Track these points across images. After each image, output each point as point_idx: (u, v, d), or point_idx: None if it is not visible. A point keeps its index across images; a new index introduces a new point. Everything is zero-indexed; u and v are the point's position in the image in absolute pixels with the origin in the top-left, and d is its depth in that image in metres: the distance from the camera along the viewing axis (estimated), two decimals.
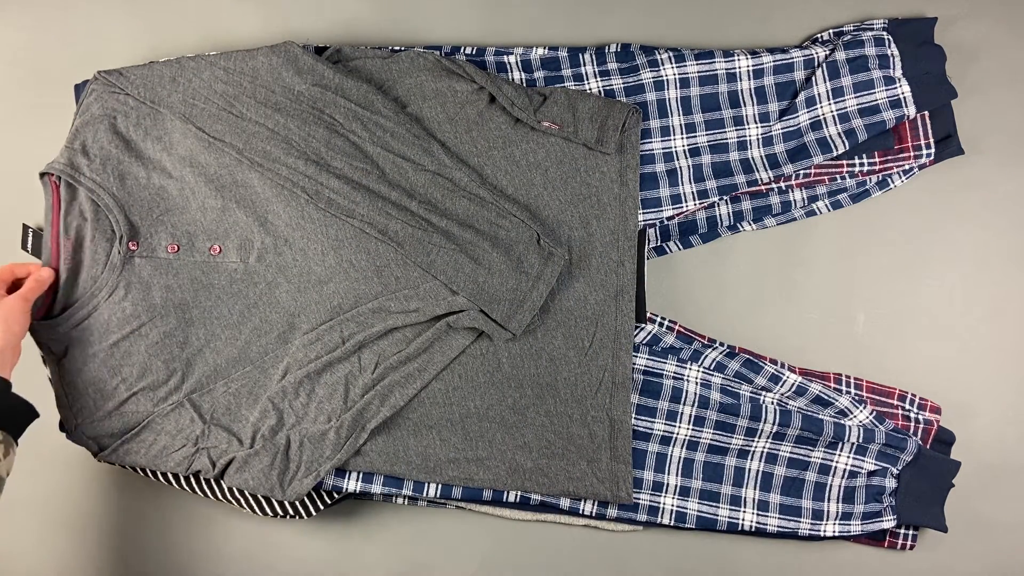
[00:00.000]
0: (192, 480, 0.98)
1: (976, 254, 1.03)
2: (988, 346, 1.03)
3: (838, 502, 0.96)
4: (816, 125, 0.97)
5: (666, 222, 1.03)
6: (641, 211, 0.97)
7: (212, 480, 0.97)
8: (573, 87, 0.98)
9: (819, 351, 1.03)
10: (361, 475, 0.96)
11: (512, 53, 0.99)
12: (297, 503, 0.97)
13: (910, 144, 1.01)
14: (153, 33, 1.07)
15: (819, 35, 1.03)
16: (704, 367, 0.97)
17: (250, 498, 0.97)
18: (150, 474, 0.98)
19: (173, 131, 0.95)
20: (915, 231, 1.04)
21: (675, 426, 0.96)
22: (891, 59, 0.96)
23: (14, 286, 0.94)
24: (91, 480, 1.06)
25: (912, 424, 0.99)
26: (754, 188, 1.02)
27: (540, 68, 0.99)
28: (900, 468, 0.96)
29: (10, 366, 0.87)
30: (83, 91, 0.97)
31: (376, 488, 0.96)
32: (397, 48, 0.98)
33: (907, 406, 1.01)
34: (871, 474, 0.96)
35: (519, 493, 0.97)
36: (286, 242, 0.94)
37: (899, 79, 0.96)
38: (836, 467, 0.96)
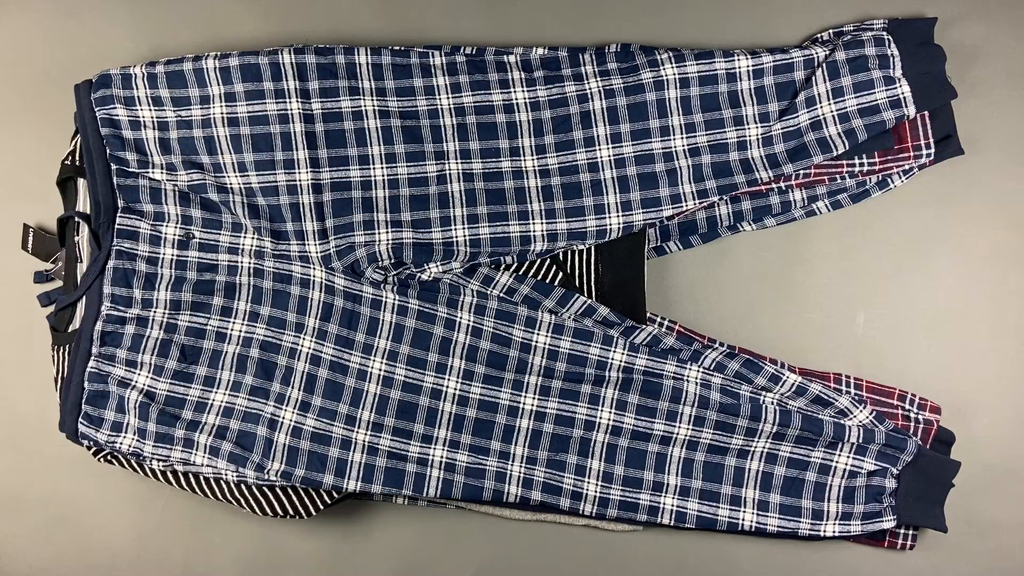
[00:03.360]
0: (192, 480, 0.98)
1: (976, 254, 1.03)
2: (988, 346, 1.03)
3: (838, 502, 0.96)
4: (816, 125, 0.97)
5: (666, 222, 1.03)
6: (641, 211, 0.97)
7: (213, 480, 0.97)
8: (574, 88, 0.98)
9: (819, 351, 1.03)
10: (361, 475, 0.96)
11: (512, 53, 0.99)
12: (297, 503, 0.97)
13: (910, 144, 1.01)
14: (153, 33, 1.06)
15: (819, 35, 1.02)
16: (704, 367, 0.97)
17: (250, 498, 0.97)
18: (149, 473, 0.98)
19: None
20: (915, 231, 1.04)
21: (675, 426, 0.96)
22: (891, 59, 0.96)
23: None
24: (91, 480, 1.06)
25: (912, 424, 1.00)
26: (754, 188, 1.02)
27: (540, 68, 0.99)
28: (900, 468, 0.96)
29: None
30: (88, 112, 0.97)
31: (376, 488, 0.96)
32: (398, 48, 0.99)
33: (907, 406, 1.01)
34: (871, 474, 0.96)
35: (519, 493, 0.97)
36: None
37: (899, 79, 0.96)
38: (836, 467, 0.96)
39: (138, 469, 0.98)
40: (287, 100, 0.96)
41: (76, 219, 0.99)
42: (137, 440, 0.95)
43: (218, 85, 0.96)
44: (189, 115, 0.96)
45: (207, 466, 0.96)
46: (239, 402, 0.97)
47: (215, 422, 0.96)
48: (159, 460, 0.96)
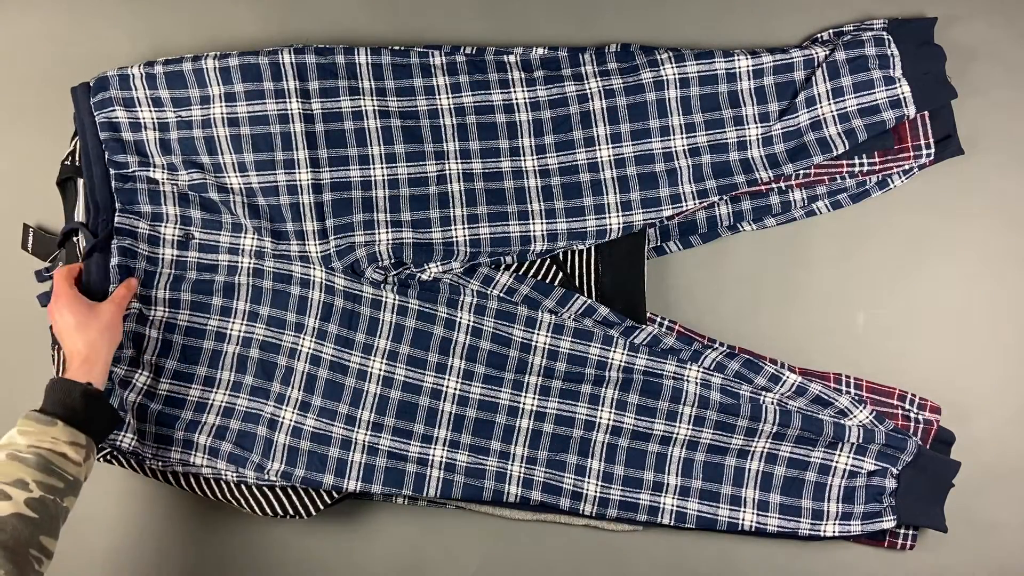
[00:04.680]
0: (192, 480, 0.98)
1: (976, 254, 1.03)
2: (988, 346, 1.03)
3: (838, 502, 0.96)
4: (816, 125, 0.97)
5: (666, 222, 1.03)
6: (641, 211, 0.97)
7: (212, 480, 0.97)
8: (574, 88, 0.98)
9: (819, 351, 1.03)
10: (361, 475, 0.95)
11: (512, 53, 0.99)
12: (297, 503, 0.97)
13: (910, 144, 1.01)
14: (153, 33, 1.06)
15: (819, 35, 1.02)
16: (704, 367, 0.97)
17: (250, 498, 0.97)
18: (150, 474, 0.98)
19: None
20: (915, 231, 1.04)
21: (675, 426, 0.96)
22: (891, 59, 0.96)
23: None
24: (91, 480, 1.06)
25: (912, 424, 0.99)
26: (754, 188, 1.02)
27: (540, 68, 0.99)
28: (900, 468, 0.96)
29: (101, 377, 0.88)
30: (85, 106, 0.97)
31: (376, 488, 0.96)
32: (398, 48, 0.98)
33: (907, 406, 1.01)
34: (871, 474, 0.96)
35: (519, 493, 0.97)
36: None
37: (899, 79, 0.96)
38: (836, 467, 0.96)
39: (138, 469, 0.98)
40: (287, 100, 0.96)
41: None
42: (136, 441, 0.95)
43: (218, 85, 0.96)
44: (189, 115, 0.96)
45: (206, 467, 0.96)
46: (239, 402, 0.97)
47: (215, 422, 0.96)
48: (159, 461, 0.96)
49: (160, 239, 0.98)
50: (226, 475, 0.97)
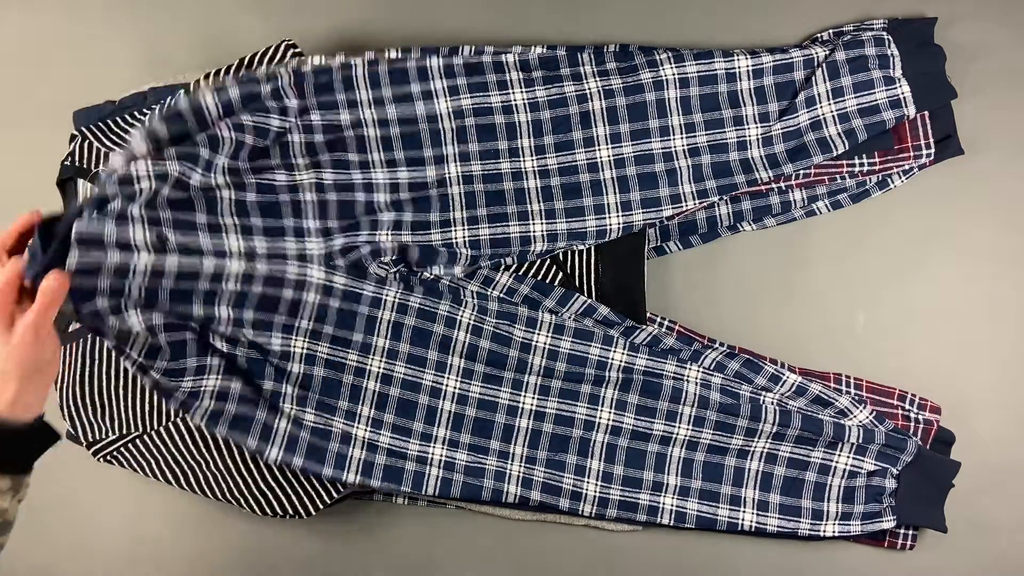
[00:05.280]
0: (192, 480, 0.98)
1: (976, 254, 1.03)
2: (988, 346, 1.03)
3: (838, 502, 0.96)
4: (816, 125, 0.97)
5: (666, 222, 1.03)
6: (641, 211, 0.97)
7: (212, 480, 0.97)
8: (573, 89, 0.98)
9: (819, 351, 1.03)
10: (360, 471, 0.95)
11: (511, 53, 0.99)
12: (297, 503, 0.97)
13: (910, 144, 1.01)
14: (153, 36, 1.07)
15: (819, 35, 1.03)
16: (704, 367, 0.97)
17: (250, 498, 0.97)
18: (149, 473, 0.98)
19: None
20: (915, 231, 1.04)
21: (675, 426, 0.96)
22: (891, 59, 0.96)
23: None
24: (91, 480, 1.06)
25: (912, 424, 1.00)
26: (754, 188, 1.02)
27: (539, 68, 0.99)
28: (900, 468, 0.96)
29: (16, 399, 0.73)
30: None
31: (375, 483, 0.95)
32: (396, 56, 0.98)
33: (907, 406, 1.01)
34: (871, 474, 0.96)
35: (518, 493, 0.97)
36: None
37: (899, 79, 0.96)
38: (836, 467, 0.96)
39: (138, 469, 0.98)
40: (287, 119, 0.93)
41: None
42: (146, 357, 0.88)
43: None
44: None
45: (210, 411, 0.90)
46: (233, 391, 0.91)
47: (208, 406, 0.90)
48: (169, 377, 0.89)
49: (131, 244, 0.85)
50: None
